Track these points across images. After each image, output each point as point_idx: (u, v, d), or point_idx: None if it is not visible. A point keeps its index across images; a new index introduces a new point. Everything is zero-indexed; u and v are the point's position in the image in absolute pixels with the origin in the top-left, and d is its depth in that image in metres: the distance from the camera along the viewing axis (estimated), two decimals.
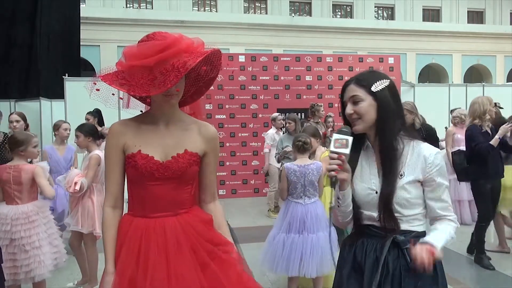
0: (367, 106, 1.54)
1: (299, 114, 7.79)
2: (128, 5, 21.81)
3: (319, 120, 6.53)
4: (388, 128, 1.54)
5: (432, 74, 25.44)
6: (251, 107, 8.59)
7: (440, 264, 1.58)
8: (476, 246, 4.50)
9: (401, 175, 1.53)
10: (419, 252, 1.42)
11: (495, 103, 7.61)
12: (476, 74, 25.26)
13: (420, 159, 1.54)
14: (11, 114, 5.12)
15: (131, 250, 1.56)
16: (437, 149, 1.57)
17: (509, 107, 7.02)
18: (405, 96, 9.42)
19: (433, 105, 7.90)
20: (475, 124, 4.26)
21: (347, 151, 1.50)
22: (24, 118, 4.91)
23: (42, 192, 3.21)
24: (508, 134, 4.25)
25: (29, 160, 3.43)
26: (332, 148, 1.52)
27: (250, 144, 8.55)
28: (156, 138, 1.64)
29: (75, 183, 3.52)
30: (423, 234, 1.57)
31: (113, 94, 1.65)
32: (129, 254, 1.56)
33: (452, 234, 1.55)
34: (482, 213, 4.32)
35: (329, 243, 3.13)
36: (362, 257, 1.58)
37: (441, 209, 1.56)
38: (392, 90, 1.59)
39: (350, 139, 1.50)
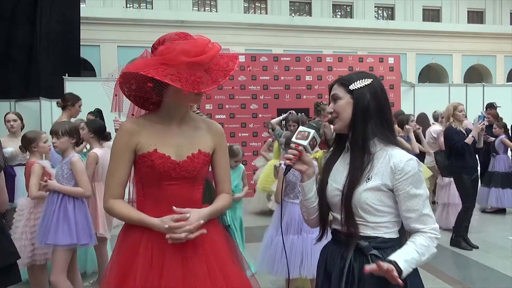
0: (344, 104, 1.53)
1: (299, 114, 7.78)
2: (128, 5, 21.80)
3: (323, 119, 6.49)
4: (359, 127, 1.50)
5: (432, 74, 25.43)
6: (251, 107, 8.59)
7: (413, 276, 1.47)
8: (455, 229, 5.00)
9: (368, 179, 1.48)
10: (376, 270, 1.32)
11: (493, 103, 7.72)
12: (476, 74, 25.24)
13: (389, 165, 1.47)
14: (7, 113, 5.09)
15: (148, 256, 1.54)
16: (410, 156, 1.49)
17: (509, 107, 7.03)
18: (405, 96, 9.43)
19: (433, 105, 7.90)
20: (450, 125, 4.87)
21: (304, 142, 1.52)
22: (20, 118, 4.90)
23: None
24: (476, 136, 4.79)
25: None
26: (293, 139, 1.55)
27: (250, 144, 8.54)
28: (169, 137, 1.63)
29: None
30: (391, 241, 1.49)
31: (115, 95, 1.65)
32: (146, 260, 1.54)
33: (427, 247, 1.43)
34: (465, 202, 4.91)
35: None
36: (330, 266, 1.56)
37: (416, 221, 1.46)
38: (373, 90, 1.52)
39: (312, 132, 1.53)
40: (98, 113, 6.22)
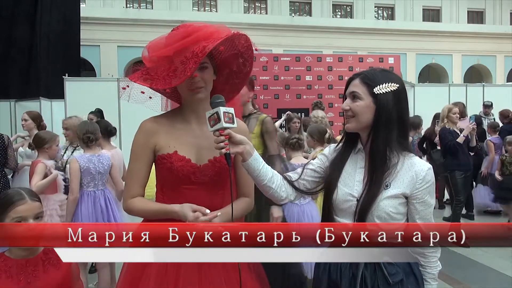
0: (364, 107, 1.43)
1: (299, 114, 7.79)
2: (128, 5, 21.79)
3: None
4: (383, 136, 1.43)
5: (432, 74, 25.42)
6: None
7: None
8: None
9: (387, 186, 1.42)
10: None
11: (491, 103, 7.75)
12: (476, 74, 25.24)
13: (410, 173, 1.43)
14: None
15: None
16: (429, 165, 1.46)
17: (509, 107, 7.02)
18: None
19: (433, 105, 7.91)
20: (445, 126, 5.22)
21: (221, 124, 1.38)
22: (35, 118, 4.99)
23: None
24: (469, 135, 5.11)
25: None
26: (210, 129, 1.42)
27: None
28: (190, 139, 1.56)
29: None
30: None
31: (142, 92, 1.56)
32: (161, 264, 1.48)
33: (437, 268, 1.50)
34: (456, 194, 5.20)
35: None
36: (337, 276, 1.47)
37: None
38: (398, 97, 1.44)
39: (217, 109, 1.39)
40: (98, 112, 6.22)
